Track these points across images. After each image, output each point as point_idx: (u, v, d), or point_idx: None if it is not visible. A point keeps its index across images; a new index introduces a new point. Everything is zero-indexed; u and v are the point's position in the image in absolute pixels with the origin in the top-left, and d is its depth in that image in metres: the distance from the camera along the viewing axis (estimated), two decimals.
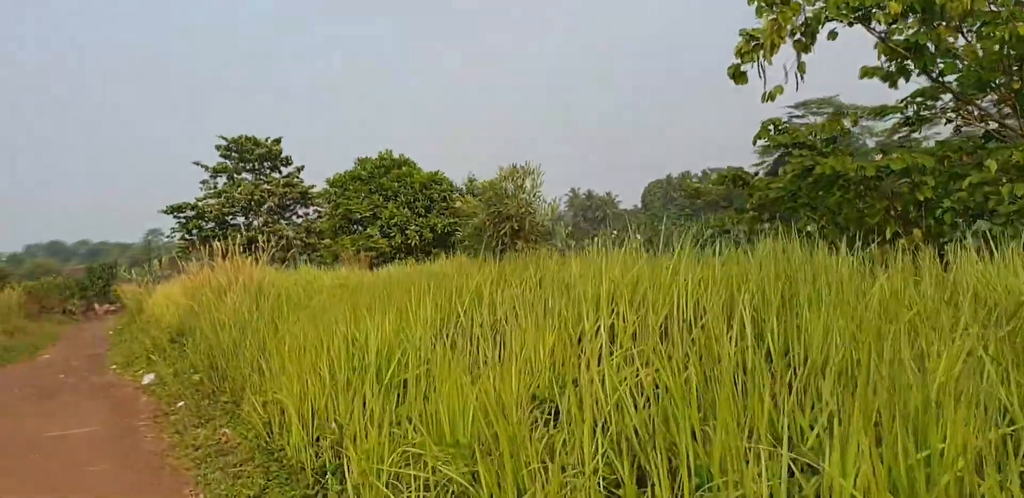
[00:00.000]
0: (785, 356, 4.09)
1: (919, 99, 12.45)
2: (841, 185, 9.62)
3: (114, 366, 15.90)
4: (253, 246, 13.23)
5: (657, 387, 4.06)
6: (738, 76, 9.83)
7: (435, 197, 30.48)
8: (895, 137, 15.86)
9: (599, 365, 4.38)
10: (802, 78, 10.15)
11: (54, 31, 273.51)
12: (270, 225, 35.65)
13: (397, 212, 29.63)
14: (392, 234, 29.50)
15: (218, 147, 36.96)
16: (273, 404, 7.16)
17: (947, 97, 12.60)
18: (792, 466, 3.01)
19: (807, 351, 3.96)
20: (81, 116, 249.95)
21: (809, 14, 9.66)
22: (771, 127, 12.45)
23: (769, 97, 9.78)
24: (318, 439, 6.02)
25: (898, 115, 12.62)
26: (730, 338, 4.14)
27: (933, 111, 12.78)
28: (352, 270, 19.53)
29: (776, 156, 63.75)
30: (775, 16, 9.28)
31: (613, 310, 4.89)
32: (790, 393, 3.52)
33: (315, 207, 37.52)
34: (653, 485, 3.22)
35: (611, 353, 4.62)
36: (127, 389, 12.89)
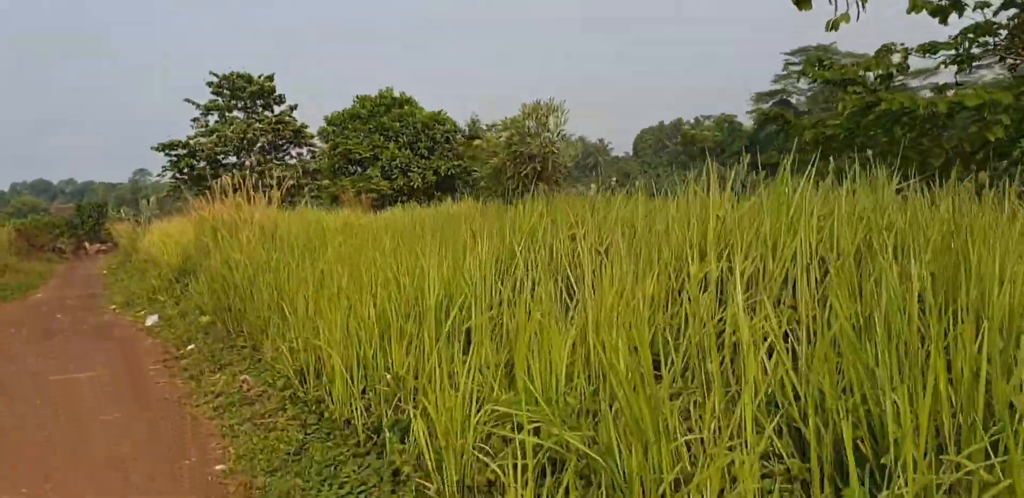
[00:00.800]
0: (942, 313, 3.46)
1: (970, 36, 11.79)
2: (905, 123, 8.95)
3: (113, 306, 15.30)
4: (259, 183, 12.45)
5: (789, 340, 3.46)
6: (803, 1, 9.00)
7: (438, 138, 29.45)
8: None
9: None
10: (864, 7, 9.36)
11: None
12: (263, 165, 34.70)
13: (399, 153, 28.65)
14: (394, 176, 28.55)
15: (209, 84, 35.83)
16: (306, 351, 6.55)
17: (1002, 34, 11.95)
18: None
19: (972, 304, 3.34)
20: (67, 54, 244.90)
21: None
22: (817, 63, 11.71)
23: (833, 26, 8.99)
24: (364, 391, 5.42)
25: (950, 52, 11.95)
26: (876, 284, 3.53)
27: (987, 48, 12.12)
28: (355, 213, 18.82)
29: (771, 103, 63.10)
30: None
31: (721, 254, 4.25)
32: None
33: (309, 147, 36.66)
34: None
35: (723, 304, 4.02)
36: (130, 330, 12.30)
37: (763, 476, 2.85)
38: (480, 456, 3.58)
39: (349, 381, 5.37)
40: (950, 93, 9.09)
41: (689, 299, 4.02)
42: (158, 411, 7.22)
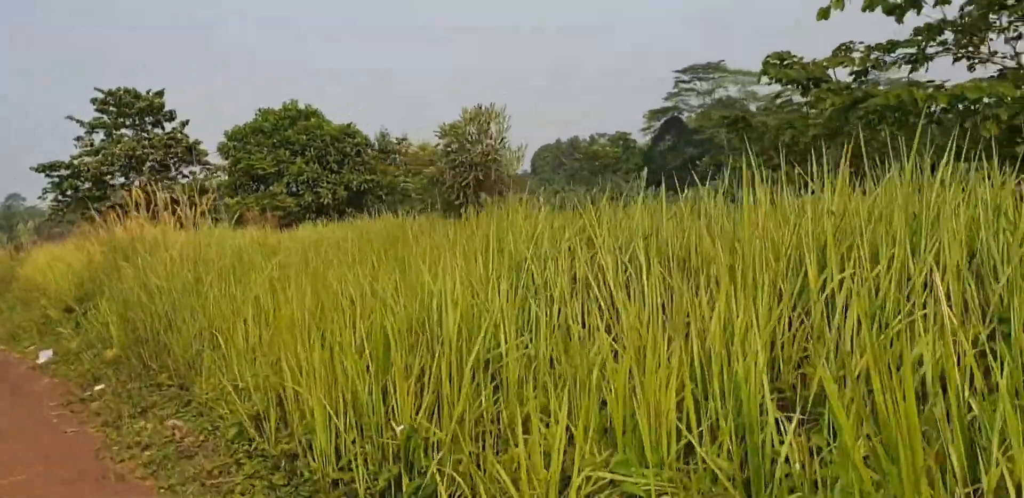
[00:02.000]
0: None
1: (918, 38, 11.67)
2: (895, 120, 8.40)
3: None
4: (157, 204, 11.04)
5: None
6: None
7: (348, 151, 28.03)
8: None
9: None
10: None
11: None
12: (154, 185, 32.56)
13: (306, 168, 27.09)
14: (301, 192, 27.00)
15: (94, 100, 33.50)
16: (259, 390, 5.38)
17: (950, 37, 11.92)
18: None
19: None
20: None
21: None
22: (777, 62, 11.18)
23: (823, 14, 8.43)
24: (354, 444, 4.30)
25: (909, 51, 11.78)
26: None
27: (945, 47, 12.00)
28: (263, 231, 17.45)
29: (663, 121, 64.36)
30: None
31: (842, 259, 3.36)
32: None
33: (203, 165, 34.75)
34: None
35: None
36: (19, 368, 10.74)
37: None
38: None
39: (338, 430, 4.24)
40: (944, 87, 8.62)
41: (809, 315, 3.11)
42: (73, 469, 5.89)
